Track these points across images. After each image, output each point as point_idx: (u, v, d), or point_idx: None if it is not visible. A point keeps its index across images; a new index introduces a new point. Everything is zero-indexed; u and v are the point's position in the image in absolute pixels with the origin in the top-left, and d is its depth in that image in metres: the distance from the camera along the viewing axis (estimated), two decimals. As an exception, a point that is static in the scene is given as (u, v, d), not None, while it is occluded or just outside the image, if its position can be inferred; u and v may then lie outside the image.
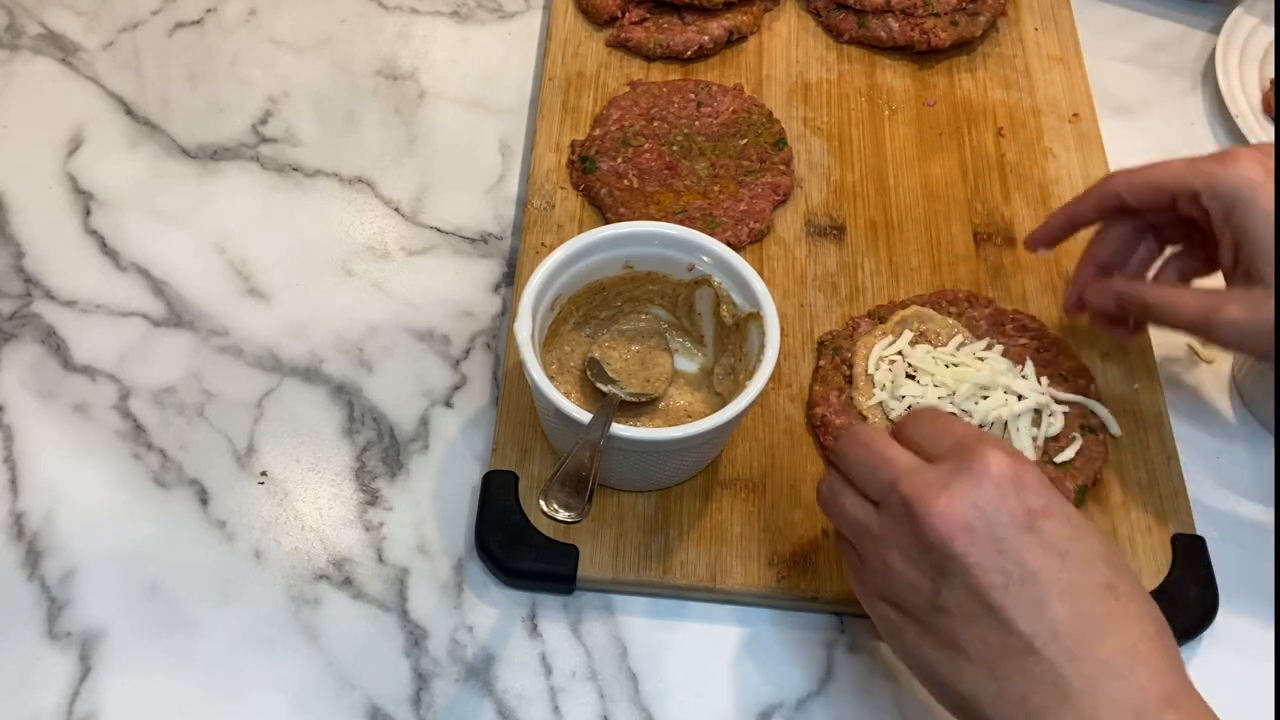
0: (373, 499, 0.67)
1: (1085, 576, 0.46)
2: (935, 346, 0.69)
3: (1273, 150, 0.61)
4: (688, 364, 0.69)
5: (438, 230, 0.78)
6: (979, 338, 0.70)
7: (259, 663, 0.61)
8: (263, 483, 0.67)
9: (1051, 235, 0.70)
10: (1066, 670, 0.45)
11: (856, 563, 0.53)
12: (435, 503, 0.67)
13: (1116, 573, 0.47)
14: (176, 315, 0.73)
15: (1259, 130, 0.85)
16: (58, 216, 0.77)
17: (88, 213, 0.77)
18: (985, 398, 0.66)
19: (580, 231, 0.68)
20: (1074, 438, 0.66)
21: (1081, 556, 0.46)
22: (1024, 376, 0.67)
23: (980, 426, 0.65)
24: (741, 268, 0.63)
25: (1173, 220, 0.65)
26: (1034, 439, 0.65)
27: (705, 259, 0.65)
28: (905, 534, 0.48)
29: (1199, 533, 0.66)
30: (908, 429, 0.53)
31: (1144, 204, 0.64)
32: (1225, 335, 0.59)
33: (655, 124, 0.80)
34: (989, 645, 0.46)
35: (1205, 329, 0.60)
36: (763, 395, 0.60)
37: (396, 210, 0.79)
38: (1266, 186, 0.58)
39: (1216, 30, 0.92)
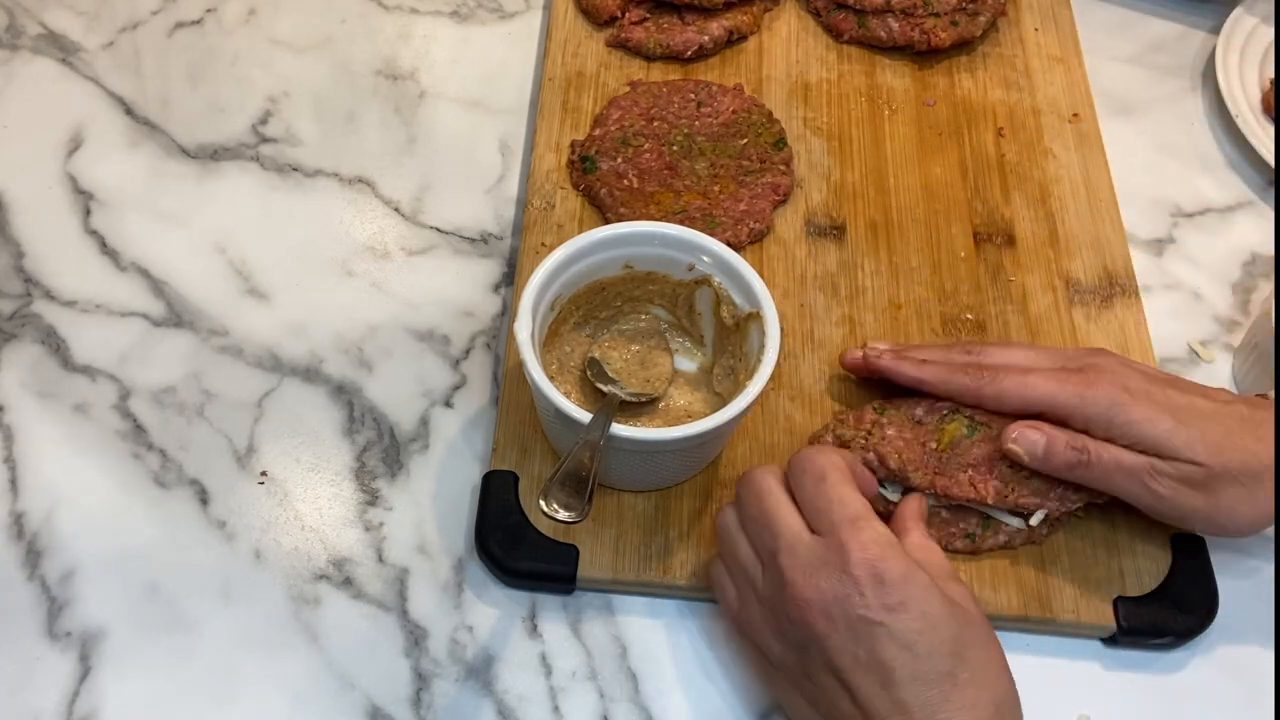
0: (373, 499, 0.67)
1: (928, 665, 0.51)
2: None
3: (1125, 368, 0.62)
4: (688, 364, 0.69)
5: (438, 230, 0.78)
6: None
7: (259, 662, 0.61)
8: (263, 483, 0.67)
9: (885, 374, 0.67)
10: None
11: (732, 598, 0.58)
12: (435, 503, 0.67)
13: (960, 661, 0.52)
14: (176, 315, 0.73)
15: (1259, 130, 0.85)
16: (58, 216, 0.77)
17: (88, 213, 0.77)
18: None
19: (580, 231, 0.68)
20: None
21: (927, 648, 0.52)
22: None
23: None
24: (741, 268, 0.63)
25: None
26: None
27: (705, 259, 0.65)
28: (778, 604, 0.55)
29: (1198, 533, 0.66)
30: (795, 479, 0.57)
31: (1001, 409, 0.64)
32: (1163, 500, 0.61)
33: (655, 124, 0.80)
34: (840, 712, 0.53)
35: (1144, 499, 0.61)
36: (763, 395, 0.60)
37: (396, 210, 0.79)
38: (1128, 403, 0.60)
39: (1216, 30, 0.92)
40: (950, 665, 0.52)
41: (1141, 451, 0.60)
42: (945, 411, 0.65)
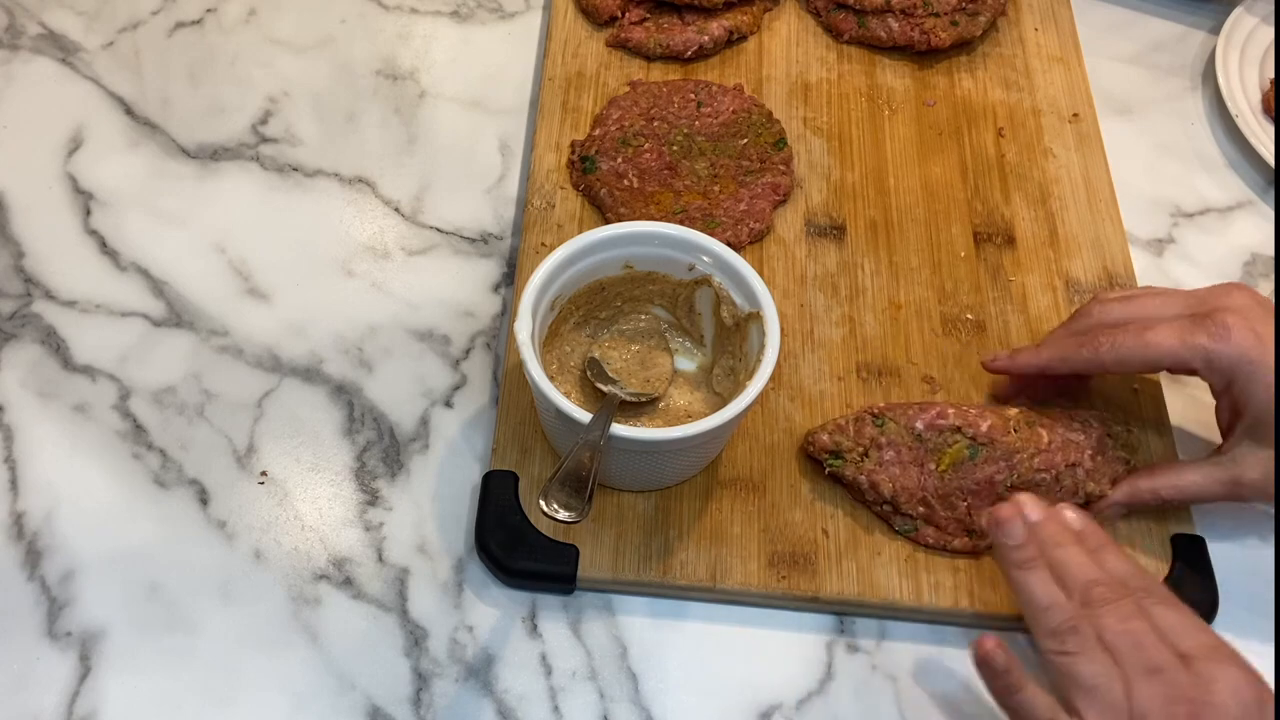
0: (373, 499, 0.67)
1: (1254, 690, 0.52)
2: None
3: (1260, 307, 0.60)
4: (688, 364, 0.69)
5: (438, 230, 0.78)
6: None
7: (259, 663, 0.61)
8: (263, 483, 0.67)
9: (1013, 371, 0.68)
10: None
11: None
12: (435, 503, 0.67)
13: None
14: (176, 315, 0.73)
15: (1259, 130, 0.85)
16: (58, 216, 0.77)
17: (88, 213, 0.77)
18: None
19: (580, 231, 0.68)
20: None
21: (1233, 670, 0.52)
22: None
23: None
24: (741, 268, 0.63)
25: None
26: None
27: (705, 259, 0.65)
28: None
29: (1199, 533, 0.66)
30: (1156, 615, 0.55)
31: (1126, 371, 0.63)
32: (1251, 495, 0.62)
33: (655, 124, 0.80)
34: None
35: (1232, 497, 0.63)
36: (763, 395, 0.60)
37: (396, 210, 0.79)
38: (1264, 360, 0.59)
39: (1216, 30, 0.92)
40: None
41: (1248, 416, 0.59)
42: (946, 429, 0.64)
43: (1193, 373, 0.61)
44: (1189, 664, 0.53)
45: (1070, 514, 0.59)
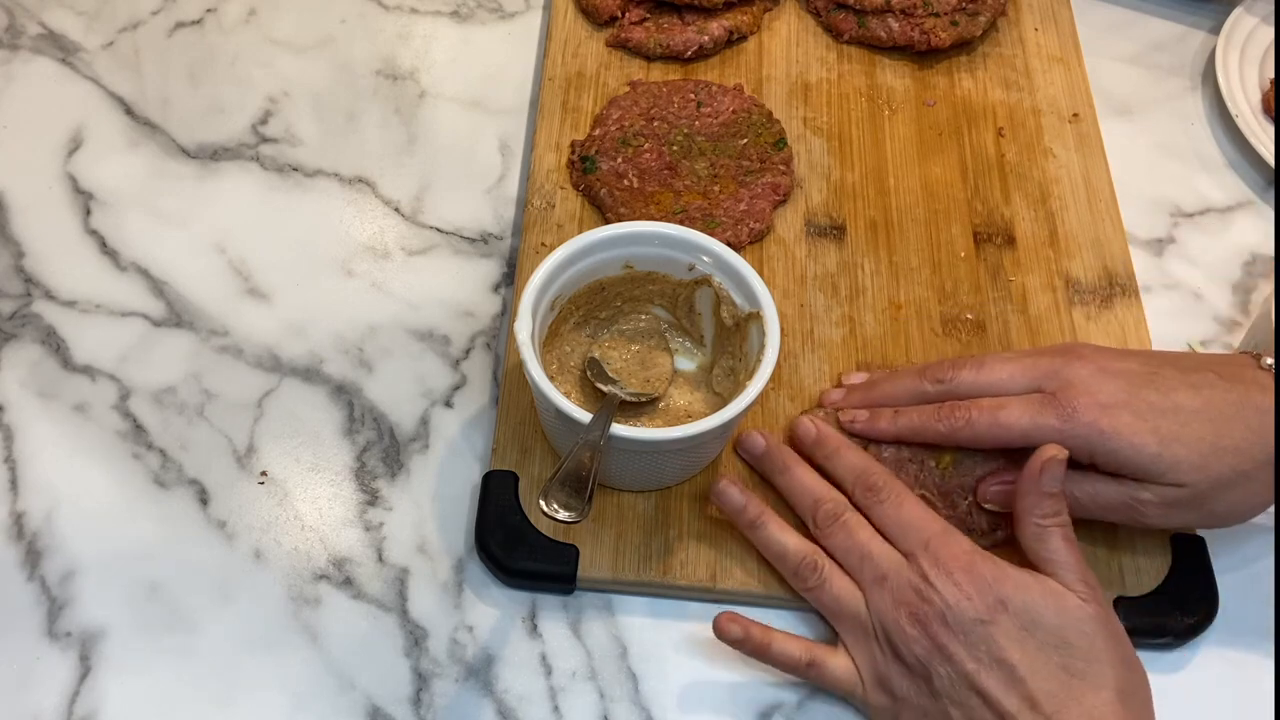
0: (373, 499, 0.67)
1: (1044, 659, 0.54)
2: None
3: (1102, 374, 0.60)
4: (688, 364, 0.69)
5: (438, 230, 0.78)
6: None
7: (259, 662, 0.61)
8: (263, 483, 0.67)
9: (867, 433, 0.65)
10: None
11: (842, 659, 0.60)
12: (435, 503, 0.67)
13: (1071, 652, 0.54)
14: (176, 315, 0.73)
15: (1259, 130, 0.85)
16: (58, 216, 0.77)
17: (88, 213, 0.77)
18: None
19: (580, 231, 0.68)
20: None
21: (1037, 642, 0.54)
22: None
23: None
24: (741, 268, 0.63)
25: None
26: None
27: (705, 259, 0.65)
28: (893, 628, 0.57)
29: (1199, 533, 0.66)
30: (878, 515, 0.60)
31: (981, 447, 0.63)
32: (1151, 522, 0.61)
33: (655, 124, 0.80)
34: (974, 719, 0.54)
35: (1132, 522, 0.62)
36: (763, 395, 0.60)
37: (396, 210, 0.79)
38: (1115, 427, 0.58)
39: (1216, 30, 0.92)
40: (1062, 656, 0.54)
41: (1128, 476, 0.59)
42: None
43: None
44: (912, 560, 0.58)
45: (801, 430, 0.65)
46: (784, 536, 0.61)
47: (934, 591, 0.56)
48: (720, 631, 0.59)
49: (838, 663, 0.59)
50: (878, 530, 0.60)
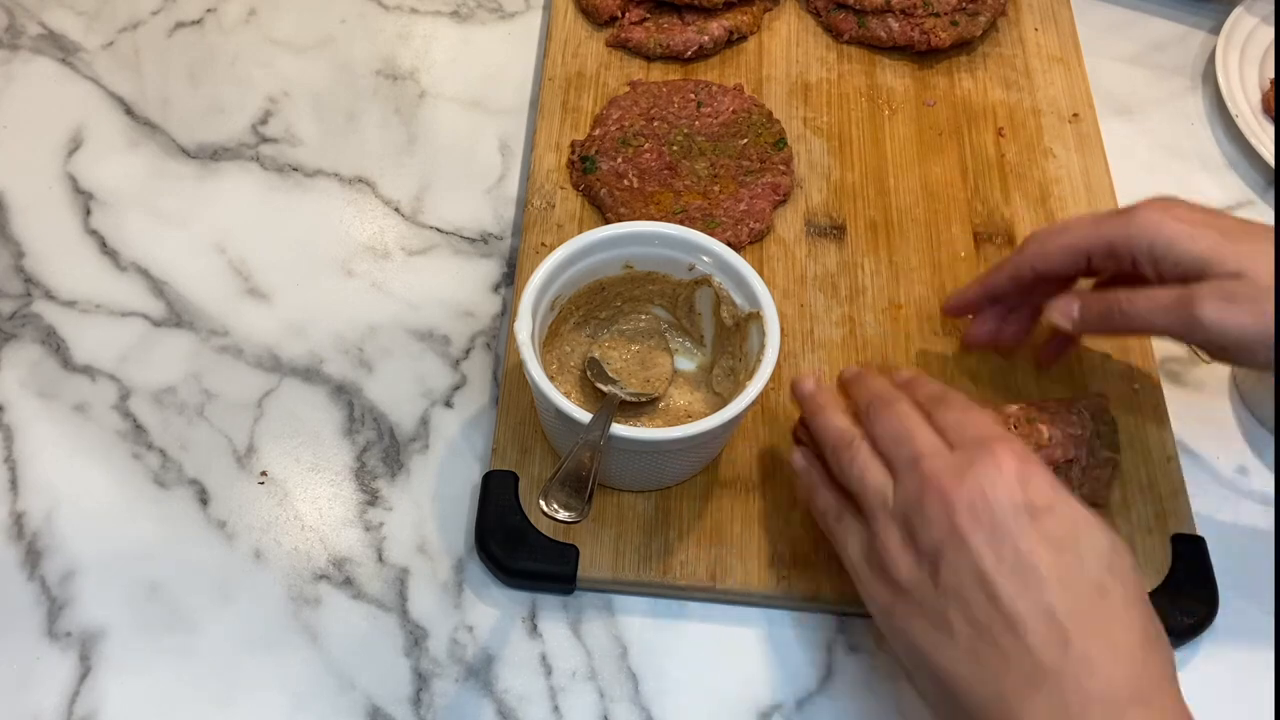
0: (373, 499, 0.67)
1: (1078, 573, 0.48)
2: None
3: (1168, 197, 0.60)
4: (688, 364, 0.69)
5: (438, 230, 0.78)
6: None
7: (259, 662, 0.61)
8: (263, 483, 0.67)
9: (968, 308, 0.70)
10: (1044, 655, 0.47)
11: (853, 538, 0.55)
12: (435, 503, 0.67)
13: (1113, 577, 0.48)
14: (176, 315, 0.73)
15: (1259, 130, 0.85)
16: (58, 216, 0.77)
17: (88, 213, 0.77)
18: None
19: (580, 231, 0.68)
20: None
21: (1077, 554, 0.48)
22: None
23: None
24: (741, 268, 0.63)
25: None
26: None
27: (705, 259, 0.65)
28: (915, 510, 0.51)
29: (1199, 533, 0.66)
30: (939, 415, 0.54)
31: (1058, 269, 0.63)
32: (1205, 338, 0.57)
33: (655, 124, 0.80)
34: (976, 623, 0.48)
35: (1184, 331, 0.58)
36: (763, 395, 0.60)
37: (396, 210, 0.79)
38: (1170, 222, 0.58)
39: (1216, 30, 0.92)
40: (1101, 576, 0.48)
41: (1189, 276, 0.57)
42: None
43: (1110, 264, 0.61)
44: (960, 450, 0.51)
45: (845, 373, 0.61)
46: (836, 418, 0.57)
47: (974, 475, 0.49)
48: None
49: (856, 530, 0.55)
50: (936, 431, 0.54)
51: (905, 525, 0.51)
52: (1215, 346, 0.57)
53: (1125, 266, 0.60)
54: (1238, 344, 0.56)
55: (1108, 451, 0.66)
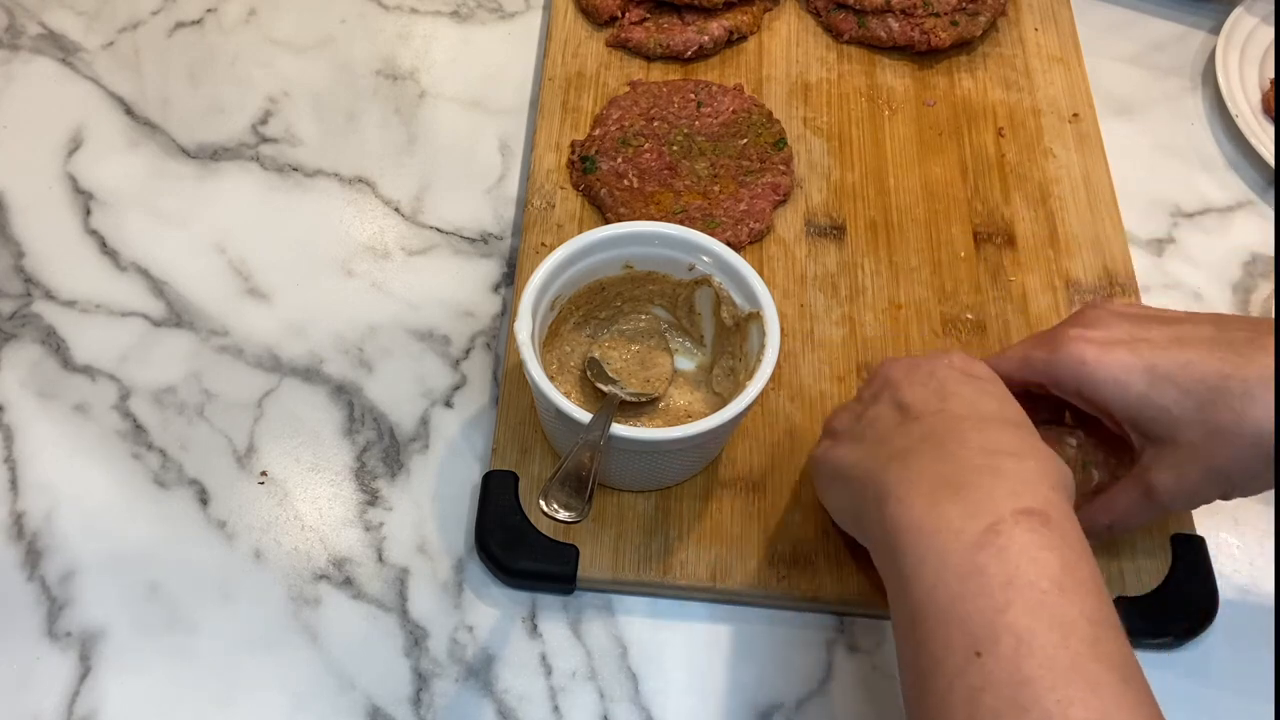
0: (373, 499, 0.67)
1: (1001, 409, 0.53)
2: None
3: (1097, 308, 0.58)
4: (688, 364, 0.69)
5: (438, 230, 0.78)
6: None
7: (259, 663, 0.61)
8: (263, 483, 0.67)
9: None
10: (962, 457, 0.49)
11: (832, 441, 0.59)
12: (435, 503, 0.67)
13: (1026, 433, 0.52)
14: (176, 315, 0.73)
15: (1259, 130, 0.85)
16: (58, 216, 0.77)
17: (88, 213, 0.77)
18: None
19: (580, 231, 0.68)
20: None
21: (995, 407, 0.53)
22: None
23: None
24: (741, 268, 0.63)
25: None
26: None
27: (705, 259, 0.65)
28: (866, 386, 0.58)
29: (1199, 533, 0.66)
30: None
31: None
32: (1169, 501, 0.57)
33: (655, 124, 0.80)
34: (908, 436, 0.52)
35: (1154, 510, 0.58)
36: (763, 395, 0.60)
37: (396, 210, 0.79)
38: (1093, 365, 0.56)
39: (1216, 30, 0.92)
40: (1004, 409, 0.53)
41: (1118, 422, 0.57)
42: None
43: (1045, 391, 0.59)
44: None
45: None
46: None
47: (925, 359, 0.56)
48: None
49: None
50: None
51: (856, 401, 0.58)
52: (1185, 505, 0.58)
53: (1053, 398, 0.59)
54: (1204, 500, 0.57)
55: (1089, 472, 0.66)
